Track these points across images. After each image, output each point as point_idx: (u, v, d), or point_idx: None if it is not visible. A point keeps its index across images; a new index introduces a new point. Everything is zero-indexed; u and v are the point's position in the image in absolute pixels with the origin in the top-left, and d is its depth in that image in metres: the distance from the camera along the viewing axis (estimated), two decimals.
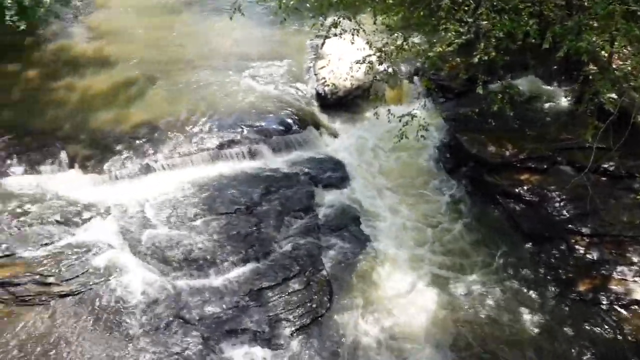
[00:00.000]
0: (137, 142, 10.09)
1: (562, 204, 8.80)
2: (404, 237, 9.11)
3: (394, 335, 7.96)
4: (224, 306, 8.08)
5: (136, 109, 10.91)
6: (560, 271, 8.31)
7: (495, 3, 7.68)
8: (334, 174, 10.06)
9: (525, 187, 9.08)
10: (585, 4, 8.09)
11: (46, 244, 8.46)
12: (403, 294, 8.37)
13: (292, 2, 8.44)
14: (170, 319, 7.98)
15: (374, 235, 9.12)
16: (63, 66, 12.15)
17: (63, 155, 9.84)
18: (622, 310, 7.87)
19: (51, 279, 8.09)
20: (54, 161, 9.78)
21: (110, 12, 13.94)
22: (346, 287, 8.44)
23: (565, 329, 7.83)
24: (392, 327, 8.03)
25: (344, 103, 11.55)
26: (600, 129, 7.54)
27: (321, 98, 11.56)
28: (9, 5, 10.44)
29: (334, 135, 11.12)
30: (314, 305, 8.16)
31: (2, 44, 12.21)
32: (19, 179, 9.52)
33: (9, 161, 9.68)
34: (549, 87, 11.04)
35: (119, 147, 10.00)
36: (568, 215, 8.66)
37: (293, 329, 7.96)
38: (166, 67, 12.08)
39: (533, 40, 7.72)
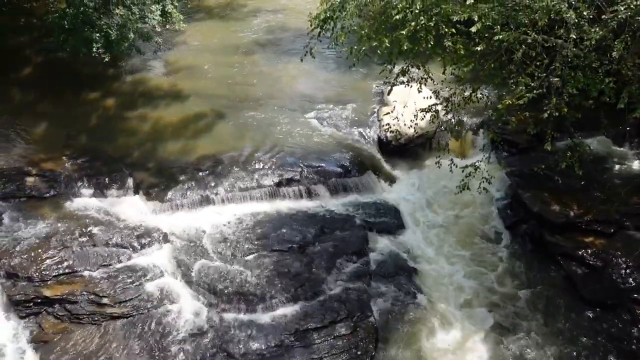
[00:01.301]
0: (200, 173, 10.43)
1: (628, 271, 8.37)
2: (457, 292, 8.92)
3: None
4: (269, 343, 8.15)
5: (202, 142, 11.32)
6: (624, 342, 7.87)
7: (570, 59, 7.58)
8: (389, 219, 10.04)
9: (589, 251, 8.72)
10: None
11: (105, 265, 8.81)
12: (452, 349, 8.18)
13: (363, 48, 8.63)
14: (215, 350, 8.15)
15: (426, 287, 8.99)
16: (139, 97, 12.84)
17: (129, 181, 10.31)
18: None
19: (106, 300, 8.42)
20: (121, 186, 10.22)
21: (188, 50, 14.65)
22: (393, 337, 8.33)
23: None
24: None
25: (405, 150, 11.56)
26: None
27: (383, 144, 11.62)
28: (97, 38, 11.22)
29: (393, 181, 11.11)
30: (359, 352, 8.08)
31: (86, 74, 13.10)
32: (86, 201, 9.97)
33: (79, 183, 10.19)
34: (620, 149, 10.69)
35: (182, 177, 10.36)
36: (634, 284, 8.23)
37: None
38: (235, 104, 12.53)
39: (607, 100, 7.54)
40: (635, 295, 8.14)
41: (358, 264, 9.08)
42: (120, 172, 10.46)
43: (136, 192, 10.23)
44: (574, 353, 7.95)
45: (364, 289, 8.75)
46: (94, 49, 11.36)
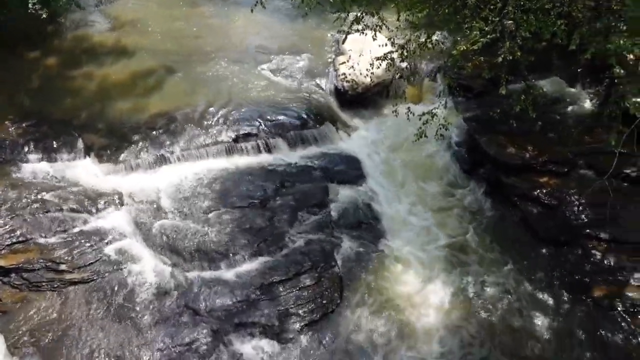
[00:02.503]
0: (154, 132, 10.28)
1: (581, 208, 8.74)
2: (418, 236, 9.15)
3: (403, 333, 8.03)
4: (235, 299, 8.21)
5: (154, 99, 11.09)
6: (576, 276, 8.26)
7: (522, 2, 7.66)
8: (349, 170, 10.14)
9: (544, 190, 9.03)
10: (614, 7, 8.04)
11: (60, 231, 8.64)
12: (415, 293, 8.43)
13: None
14: (180, 310, 8.15)
15: (387, 234, 9.17)
16: (82, 55, 12.40)
17: (79, 144, 10.07)
18: (638, 317, 7.85)
19: (64, 266, 8.29)
20: (71, 150, 9.99)
21: (131, 2, 14.13)
22: (358, 284, 8.52)
23: (578, 333, 7.82)
24: (401, 326, 8.09)
25: (362, 100, 11.62)
26: (625, 134, 7.49)
27: (340, 94, 11.63)
28: None
29: (352, 131, 11.21)
30: (325, 301, 8.26)
31: (23, 31, 12.50)
32: (35, 166, 9.72)
33: (25, 148, 9.89)
34: (573, 90, 10.94)
35: (135, 137, 10.20)
36: (586, 220, 8.59)
37: (302, 324, 8.07)
38: (184, 58, 12.26)
39: (559, 41, 7.70)
40: (588, 231, 8.51)
41: (320, 215, 9.19)
42: (69, 135, 10.18)
43: (87, 154, 10.00)
44: (530, 287, 8.32)
45: (327, 240, 8.88)
46: (30, 4, 10.85)
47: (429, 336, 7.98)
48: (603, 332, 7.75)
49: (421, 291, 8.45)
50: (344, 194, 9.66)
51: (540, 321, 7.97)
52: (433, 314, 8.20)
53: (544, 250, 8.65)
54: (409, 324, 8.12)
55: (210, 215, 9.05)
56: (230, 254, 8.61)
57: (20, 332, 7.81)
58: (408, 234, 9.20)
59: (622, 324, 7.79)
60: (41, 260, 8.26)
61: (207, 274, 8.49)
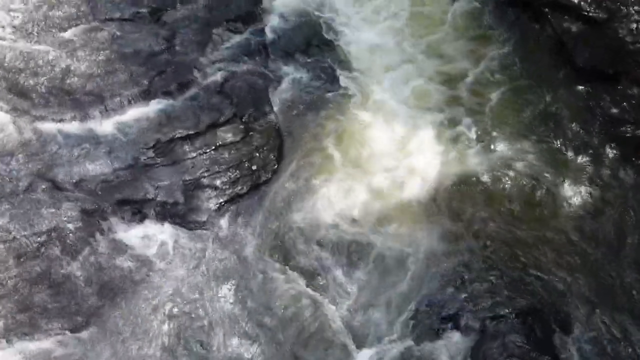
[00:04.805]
0: None
1: None
2: (395, 64, 6.58)
3: (367, 215, 5.83)
4: (115, 164, 5.93)
5: None
6: (626, 127, 5.95)
7: None
8: None
9: None
10: None
11: None
12: (387, 152, 6.13)
13: None
14: (32, 181, 5.81)
15: (349, 66, 6.62)
16: None
17: None
18: None
19: None
20: None
21: None
22: (303, 141, 6.22)
23: (624, 204, 5.63)
24: (364, 204, 5.90)
25: None
26: None
27: None
28: None
29: None
30: (254, 167, 6.04)
31: None
32: None
33: None
34: None
35: None
36: None
37: (221, 200, 5.92)
38: None
39: None
40: None
41: (247, 34, 6.66)
42: None
43: None
44: (557, 145, 5.97)
45: (259, 72, 6.45)
46: None
47: (401, 220, 5.72)
48: None
49: (397, 150, 6.11)
50: (285, 1, 6.89)
51: (568, 192, 5.72)
52: (413, 185, 5.89)
53: (582, 88, 6.32)
54: (373, 200, 5.89)
55: (68, 34, 6.38)
56: (106, 96, 6.21)
57: None
58: (378, 62, 6.63)
59: None
60: None
61: (71, 126, 6.07)
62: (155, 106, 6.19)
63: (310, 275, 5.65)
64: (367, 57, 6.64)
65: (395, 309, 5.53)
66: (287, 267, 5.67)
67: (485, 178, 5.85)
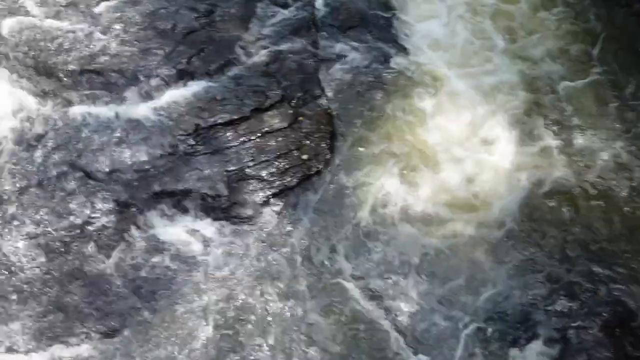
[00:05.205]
0: None
1: None
2: (466, 46, 5.90)
3: (430, 213, 5.26)
4: (152, 153, 5.34)
5: None
6: None
7: None
8: None
9: None
10: None
11: None
12: (454, 143, 5.50)
13: None
14: (64, 169, 5.31)
15: (415, 45, 5.91)
16: None
17: None
18: None
19: None
20: None
21: None
22: (358, 128, 5.56)
23: None
24: (427, 200, 5.31)
25: None
26: None
27: None
28: None
29: None
30: (305, 156, 5.41)
31: None
32: None
33: None
34: None
35: None
36: None
37: (267, 193, 5.32)
38: None
39: None
40: None
41: (295, 8, 5.91)
42: None
43: None
44: None
45: (308, 51, 5.75)
46: None
47: (478, 221, 5.15)
48: None
49: (466, 141, 5.49)
50: None
51: None
52: (485, 178, 5.32)
53: None
54: (439, 195, 5.32)
55: (102, 8, 5.70)
56: (141, 76, 5.52)
57: None
58: (449, 46, 5.94)
59: None
60: None
61: (103, 110, 5.46)
62: (194, 88, 5.61)
63: (365, 278, 5.13)
64: (433, 38, 6.00)
65: (463, 316, 5.03)
66: (339, 268, 5.21)
67: (570, 177, 5.25)
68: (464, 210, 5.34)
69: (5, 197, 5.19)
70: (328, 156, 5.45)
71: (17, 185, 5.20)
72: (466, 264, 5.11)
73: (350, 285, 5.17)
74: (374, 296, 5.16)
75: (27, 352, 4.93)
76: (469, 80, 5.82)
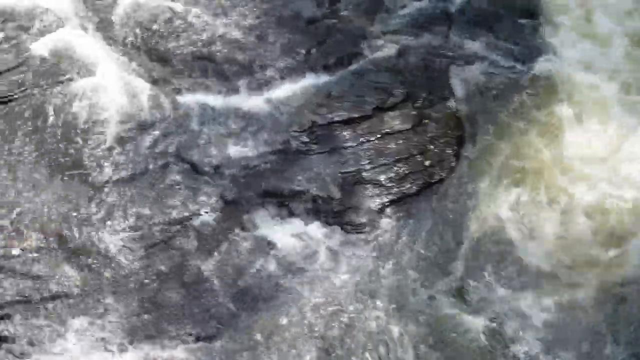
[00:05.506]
0: None
1: None
2: (613, 51, 5.44)
3: (562, 235, 4.86)
4: (262, 148, 5.26)
5: None
6: None
7: None
8: None
9: None
10: None
11: None
12: (593, 158, 5.08)
13: None
14: (169, 160, 5.20)
15: (552, 45, 5.52)
16: None
17: None
18: None
19: None
20: None
21: None
22: (488, 135, 5.25)
23: None
24: (560, 221, 4.93)
25: None
26: None
27: None
28: None
29: None
30: (427, 162, 5.16)
31: None
32: None
33: None
34: None
35: None
36: None
37: (384, 200, 5.19)
38: None
39: None
40: None
41: (424, 1, 5.71)
42: None
43: None
44: None
45: (439, 48, 5.54)
46: None
47: (618, 248, 4.72)
48: None
49: (608, 157, 5.05)
50: None
51: None
52: (627, 203, 4.86)
53: None
54: (577, 213, 4.88)
55: None
56: (256, 67, 5.56)
57: None
58: (596, 51, 5.52)
59: None
60: None
61: (215, 100, 5.44)
62: (312, 82, 5.47)
63: (483, 303, 4.79)
64: (579, 40, 5.55)
65: (590, 349, 4.61)
66: (455, 288, 4.84)
67: None
68: (599, 236, 4.88)
69: (108, 185, 5.06)
70: (453, 164, 5.15)
71: (120, 174, 5.10)
72: (596, 296, 4.63)
73: (467, 318, 4.79)
74: (492, 322, 4.76)
75: (120, 348, 4.78)
76: (609, 91, 5.36)
